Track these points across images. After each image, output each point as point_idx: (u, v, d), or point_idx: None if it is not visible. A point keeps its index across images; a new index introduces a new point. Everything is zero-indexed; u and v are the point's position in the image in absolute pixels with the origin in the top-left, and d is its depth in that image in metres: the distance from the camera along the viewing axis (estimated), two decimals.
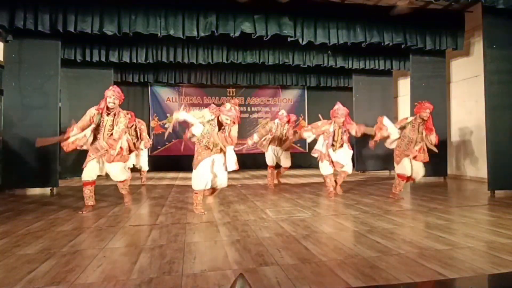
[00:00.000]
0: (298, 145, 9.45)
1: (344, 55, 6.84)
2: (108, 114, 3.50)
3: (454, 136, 6.72)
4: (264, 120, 9.33)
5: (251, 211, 3.57)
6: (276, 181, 5.77)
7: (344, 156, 4.43)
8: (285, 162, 5.52)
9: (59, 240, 2.52)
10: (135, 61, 6.16)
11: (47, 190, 5.02)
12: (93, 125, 3.45)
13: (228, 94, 9.37)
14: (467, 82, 6.42)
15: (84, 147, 3.52)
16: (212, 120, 3.41)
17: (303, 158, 9.07)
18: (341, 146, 4.42)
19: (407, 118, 4.29)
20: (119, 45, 5.99)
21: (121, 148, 3.59)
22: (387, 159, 7.62)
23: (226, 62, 6.47)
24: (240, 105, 9.32)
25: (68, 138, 3.38)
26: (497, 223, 2.94)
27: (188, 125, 3.46)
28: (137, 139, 5.44)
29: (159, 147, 9.04)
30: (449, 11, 5.78)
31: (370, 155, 7.38)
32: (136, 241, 2.50)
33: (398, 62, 7.16)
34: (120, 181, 3.77)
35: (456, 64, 6.76)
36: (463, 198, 4.36)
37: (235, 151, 3.60)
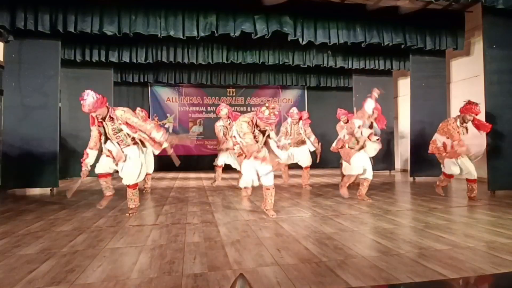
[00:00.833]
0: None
1: (344, 55, 6.84)
2: (103, 122, 3.32)
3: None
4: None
5: (251, 211, 3.57)
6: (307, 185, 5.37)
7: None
8: (305, 161, 5.25)
9: (59, 240, 2.52)
10: (135, 61, 6.16)
11: (47, 190, 5.02)
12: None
13: (228, 94, 9.37)
14: (467, 82, 6.41)
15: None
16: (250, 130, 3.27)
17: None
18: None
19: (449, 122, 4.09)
20: (119, 45, 5.99)
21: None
22: (386, 159, 7.65)
23: (226, 62, 6.47)
24: (240, 105, 9.34)
25: (88, 170, 3.33)
26: (497, 223, 2.94)
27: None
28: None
29: None
30: (449, 11, 5.78)
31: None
32: (136, 241, 2.50)
33: (398, 62, 7.16)
34: (130, 185, 3.50)
35: (456, 64, 6.75)
36: (463, 198, 4.36)
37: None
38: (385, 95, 7.84)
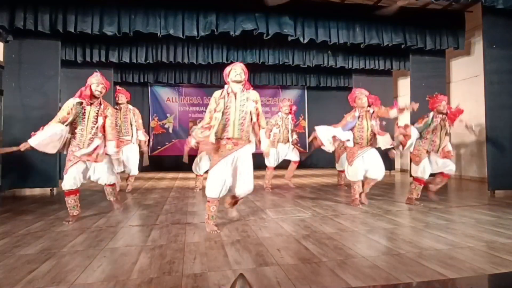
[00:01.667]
0: (299, 145, 9.45)
1: (344, 55, 6.85)
2: (91, 104, 3.07)
3: (454, 136, 6.71)
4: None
5: (251, 211, 3.57)
6: (291, 184, 5.49)
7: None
8: (295, 156, 5.28)
9: (59, 240, 2.52)
10: (135, 61, 6.16)
11: (47, 190, 5.02)
12: (70, 119, 2.97)
13: None
14: (467, 82, 6.42)
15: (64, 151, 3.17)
16: None
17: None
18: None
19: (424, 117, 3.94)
20: (119, 45, 5.99)
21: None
22: (386, 159, 7.63)
23: (226, 62, 6.47)
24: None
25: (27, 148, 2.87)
26: (497, 223, 2.94)
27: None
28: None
29: (159, 147, 9.04)
30: (449, 11, 5.78)
31: None
32: (136, 241, 2.50)
33: (398, 62, 7.16)
34: (109, 185, 3.35)
35: (456, 64, 6.76)
36: (463, 198, 4.36)
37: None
38: (385, 95, 7.88)
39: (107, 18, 4.82)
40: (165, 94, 9.24)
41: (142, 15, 4.90)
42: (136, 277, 1.82)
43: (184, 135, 9.25)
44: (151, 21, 4.92)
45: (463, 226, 2.84)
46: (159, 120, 9.14)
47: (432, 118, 3.84)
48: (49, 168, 4.94)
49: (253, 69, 8.05)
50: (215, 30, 5.02)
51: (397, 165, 8.38)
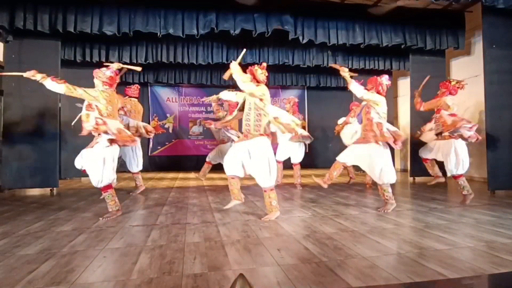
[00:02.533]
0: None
1: (344, 55, 6.84)
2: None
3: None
4: None
5: (251, 211, 3.57)
6: (299, 187, 5.37)
7: None
8: (298, 157, 5.37)
9: (59, 240, 2.52)
10: (135, 61, 6.15)
11: (47, 190, 5.02)
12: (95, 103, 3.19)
13: None
14: (467, 82, 6.41)
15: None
16: None
17: (304, 158, 9.05)
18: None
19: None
20: (119, 45, 5.99)
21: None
22: None
23: (226, 62, 6.46)
24: None
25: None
26: (497, 223, 2.94)
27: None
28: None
29: (159, 147, 9.04)
30: (449, 11, 5.78)
31: None
32: (136, 241, 2.50)
33: (398, 62, 7.15)
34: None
35: (456, 64, 6.76)
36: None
37: None
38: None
39: (107, 17, 4.82)
40: (165, 94, 9.24)
41: (142, 15, 4.90)
42: (136, 277, 1.82)
43: (184, 135, 9.26)
44: (151, 21, 4.92)
45: (463, 226, 2.84)
46: (159, 120, 9.14)
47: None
48: (49, 168, 4.93)
49: None
50: (215, 28, 5.01)
51: (397, 165, 8.38)
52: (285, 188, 5.43)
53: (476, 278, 1.78)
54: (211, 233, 2.71)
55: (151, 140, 8.64)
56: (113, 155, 3.31)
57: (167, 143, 9.09)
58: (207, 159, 6.01)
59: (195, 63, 6.39)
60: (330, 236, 2.59)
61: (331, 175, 3.78)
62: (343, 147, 4.87)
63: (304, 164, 9.05)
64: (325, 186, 3.86)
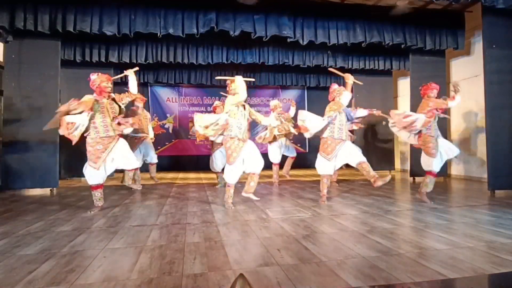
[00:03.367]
0: (299, 145, 9.46)
1: (344, 55, 6.84)
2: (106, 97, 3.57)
3: (454, 136, 6.72)
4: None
5: (251, 211, 3.57)
6: (288, 176, 5.97)
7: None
8: (292, 152, 5.78)
9: (59, 240, 2.52)
10: (135, 61, 6.15)
11: (47, 190, 5.02)
12: (90, 114, 3.37)
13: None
14: (467, 82, 6.41)
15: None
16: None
17: (303, 158, 9.07)
18: None
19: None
20: (119, 45, 5.99)
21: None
22: (386, 159, 7.64)
23: (226, 62, 6.47)
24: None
25: (68, 111, 3.20)
26: (497, 223, 2.94)
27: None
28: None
29: (159, 147, 9.03)
30: (449, 11, 5.78)
31: (371, 155, 7.37)
32: (136, 241, 2.50)
33: (398, 62, 7.16)
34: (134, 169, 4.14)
35: (456, 64, 6.76)
36: (463, 198, 4.36)
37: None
38: (385, 95, 7.89)
39: (107, 17, 4.82)
40: (165, 94, 9.23)
41: (142, 15, 4.90)
42: (136, 277, 1.82)
43: (184, 135, 9.26)
44: (151, 21, 4.92)
45: (463, 226, 2.84)
46: (159, 120, 9.14)
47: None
48: (49, 168, 4.94)
49: (253, 69, 8.06)
50: (215, 27, 5.01)
51: (397, 165, 8.38)
52: (285, 188, 5.42)
53: (476, 278, 1.78)
54: (211, 233, 2.71)
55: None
56: (113, 155, 3.51)
57: (167, 143, 9.08)
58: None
59: (195, 63, 6.40)
60: (330, 236, 2.59)
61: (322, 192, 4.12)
62: None
63: (304, 164, 9.15)
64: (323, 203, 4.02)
